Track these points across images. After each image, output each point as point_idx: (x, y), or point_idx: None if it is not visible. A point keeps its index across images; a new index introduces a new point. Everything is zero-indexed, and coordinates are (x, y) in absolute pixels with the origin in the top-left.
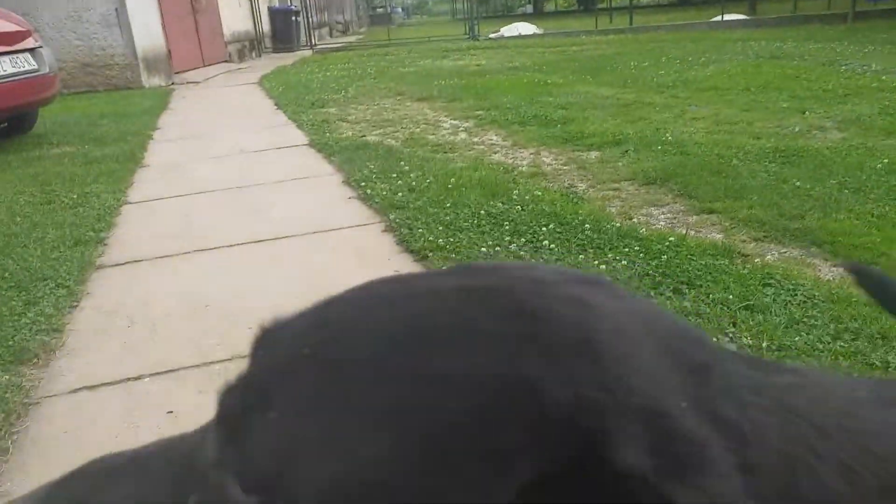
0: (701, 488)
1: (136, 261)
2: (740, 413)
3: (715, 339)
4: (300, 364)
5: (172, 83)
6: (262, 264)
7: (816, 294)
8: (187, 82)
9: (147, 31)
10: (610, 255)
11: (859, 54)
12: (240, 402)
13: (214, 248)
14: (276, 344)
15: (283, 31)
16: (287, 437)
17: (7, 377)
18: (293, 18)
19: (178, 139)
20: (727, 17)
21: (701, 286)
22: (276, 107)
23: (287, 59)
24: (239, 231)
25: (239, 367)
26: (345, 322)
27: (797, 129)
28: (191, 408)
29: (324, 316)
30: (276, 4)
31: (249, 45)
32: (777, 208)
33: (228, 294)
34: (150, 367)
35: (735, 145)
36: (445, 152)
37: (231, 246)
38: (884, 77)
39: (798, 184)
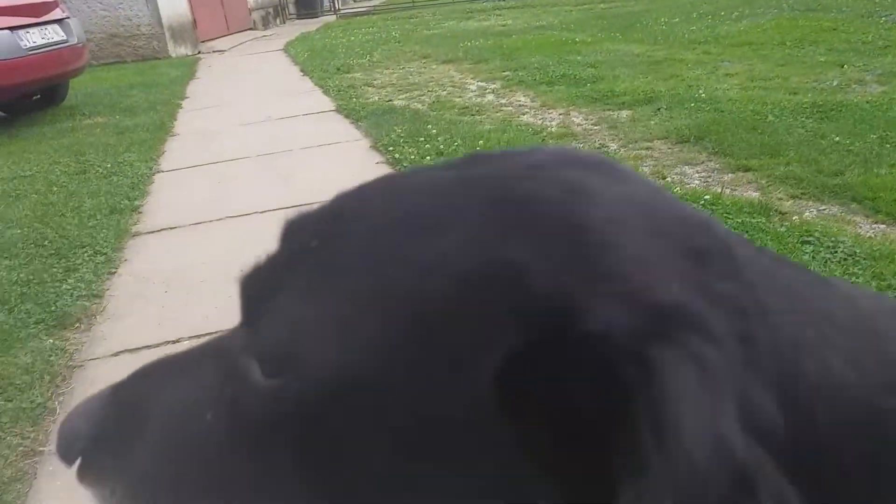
0: (684, 347)
1: (170, 228)
2: (741, 291)
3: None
4: (306, 254)
5: (199, 52)
6: None
7: (857, 251)
8: (213, 51)
9: (172, 0)
10: None
11: None
12: (255, 289)
13: (246, 214)
14: (294, 235)
15: None
16: (292, 321)
17: (51, 341)
18: None
19: (207, 108)
20: None
21: None
22: (301, 73)
23: (311, 24)
24: (270, 197)
25: None
26: (349, 215)
27: (835, 84)
28: None
29: (334, 209)
30: None
31: (273, 12)
32: (815, 164)
33: None
34: (187, 330)
35: (770, 101)
36: (473, 115)
37: (263, 212)
38: None
39: (837, 139)
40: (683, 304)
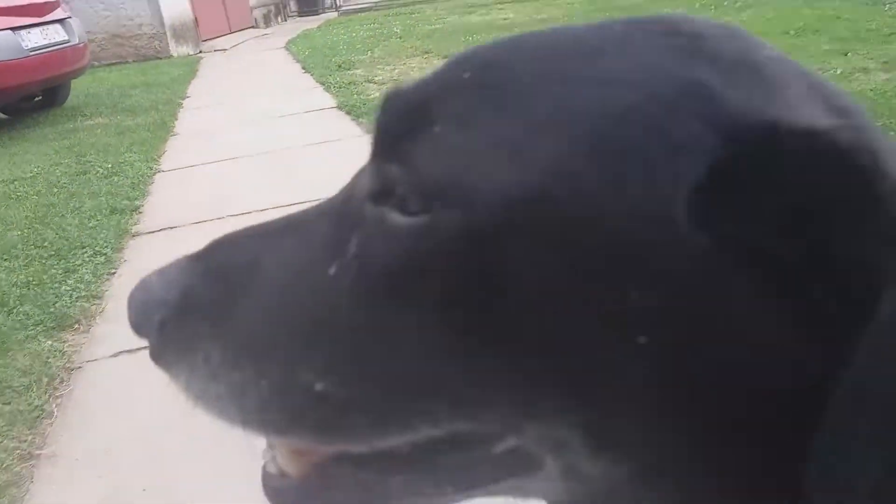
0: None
1: (170, 227)
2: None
3: None
4: (461, 84)
5: (200, 51)
6: None
7: None
8: (215, 50)
9: None
10: None
11: None
12: (398, 125)
13: (248, 212)
14: (424, 83)
15: None
16: (457, 149)
17: (50, 343)
18: None
19: (208, 106)
20: None
21: None
22: (303, 70)
23: (313, 22)
24: (272, 195)
25: None
26: (501, 51)
27: (839, 72)
28: None
29: (471, 53)
30: None
31: (275, 10)
32: None
33: None
34: None
35: None
36: None
37: (264, 210)
38: None
39: None
40: (861, 126)
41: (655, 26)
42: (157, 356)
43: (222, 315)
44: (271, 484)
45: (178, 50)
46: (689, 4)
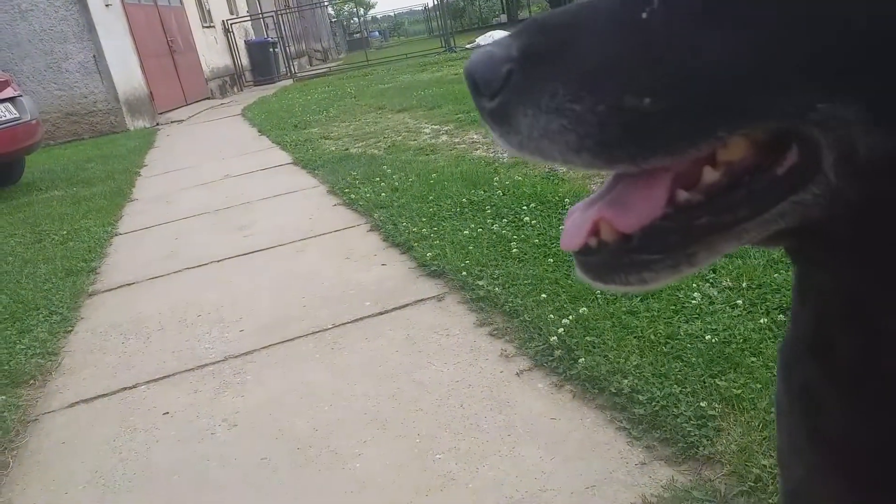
0: None
1: (127, 284)
2: None
3: (695, 285)
4: None
5: (157, 123)
6: (252, 272)
7: None
8: (171, 121)
9: (127, 75)
10: None
11: None
12: None
13: (204, 264)
14: None
15: (261, 63)
16: None
17: (4, 398)
18: (271, 50)
19: (165, 173)
20: None
21: None
22: (259, 133)
23: (268, 89)
24: (228, 246)
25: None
26: None
27: None
28: (186, 407)
29: None
30: (253, 37)
31: (230, 80)
32: None
33: (220, 302)
34: (145, 375)
35: None
36: (427, 154)
37: (220, 261)
38: None
39: None
40: None
41: None
42: (500, 112)
43: (560, 58)
44: (590, 260)
45: (134, 124)
46: None
